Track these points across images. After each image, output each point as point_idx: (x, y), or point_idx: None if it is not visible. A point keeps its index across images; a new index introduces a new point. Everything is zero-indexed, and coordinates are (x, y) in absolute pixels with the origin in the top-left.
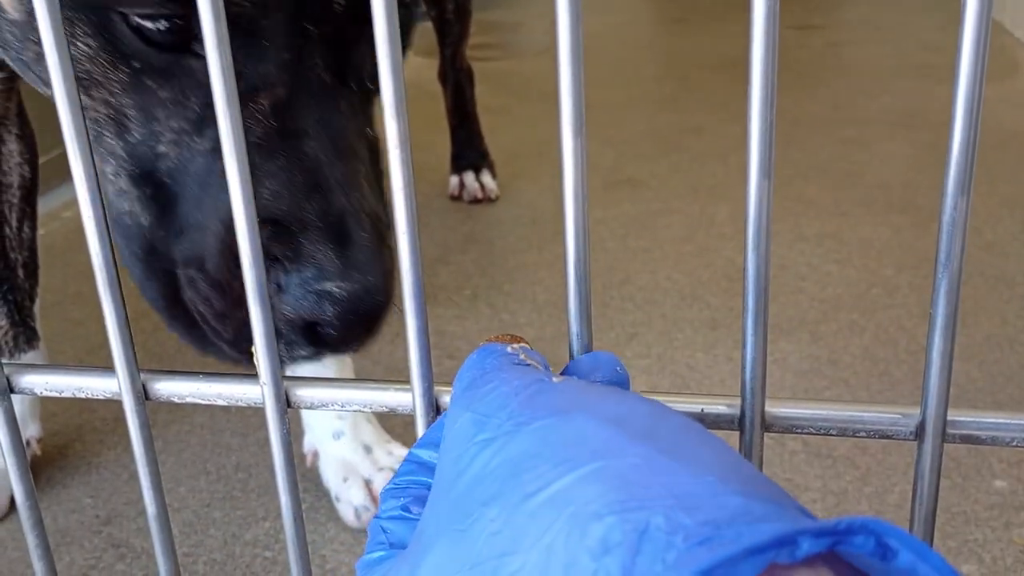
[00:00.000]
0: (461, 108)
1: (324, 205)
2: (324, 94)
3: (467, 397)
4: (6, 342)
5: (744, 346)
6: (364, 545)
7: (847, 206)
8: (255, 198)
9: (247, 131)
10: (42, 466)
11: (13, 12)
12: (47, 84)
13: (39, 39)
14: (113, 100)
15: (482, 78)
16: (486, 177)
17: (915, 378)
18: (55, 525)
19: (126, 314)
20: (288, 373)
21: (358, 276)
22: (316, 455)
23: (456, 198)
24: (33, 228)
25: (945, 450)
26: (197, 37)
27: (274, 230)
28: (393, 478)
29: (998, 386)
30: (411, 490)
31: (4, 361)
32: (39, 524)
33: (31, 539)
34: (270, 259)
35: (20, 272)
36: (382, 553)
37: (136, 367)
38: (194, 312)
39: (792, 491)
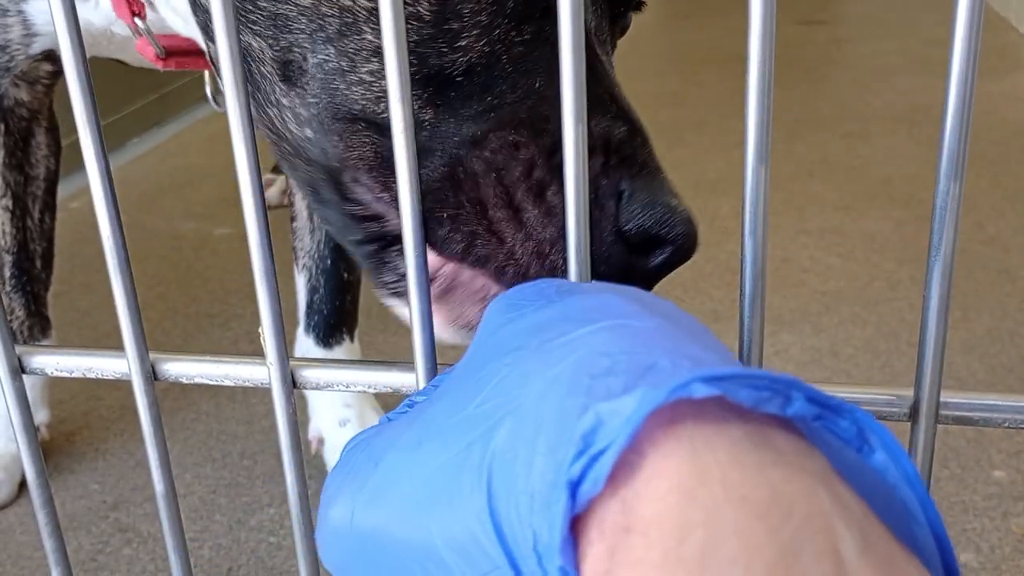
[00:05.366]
0: None
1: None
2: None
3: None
4: (21, 332)
5: (741, 330)
6: None
7: (850, 200)
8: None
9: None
10: (50, 452)
11: None
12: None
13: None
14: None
15: None
16: None
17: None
18: (63, 510)
19: (135, 294)
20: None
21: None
22: (321, 442)
23: None
24: (53, 219)
25: (944, 440)
26: None
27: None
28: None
29: (998, 378)
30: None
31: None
32: (49, 503)
33: (41, 517)
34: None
35: (38, 263)
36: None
37: (145, 347)
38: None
39: None
